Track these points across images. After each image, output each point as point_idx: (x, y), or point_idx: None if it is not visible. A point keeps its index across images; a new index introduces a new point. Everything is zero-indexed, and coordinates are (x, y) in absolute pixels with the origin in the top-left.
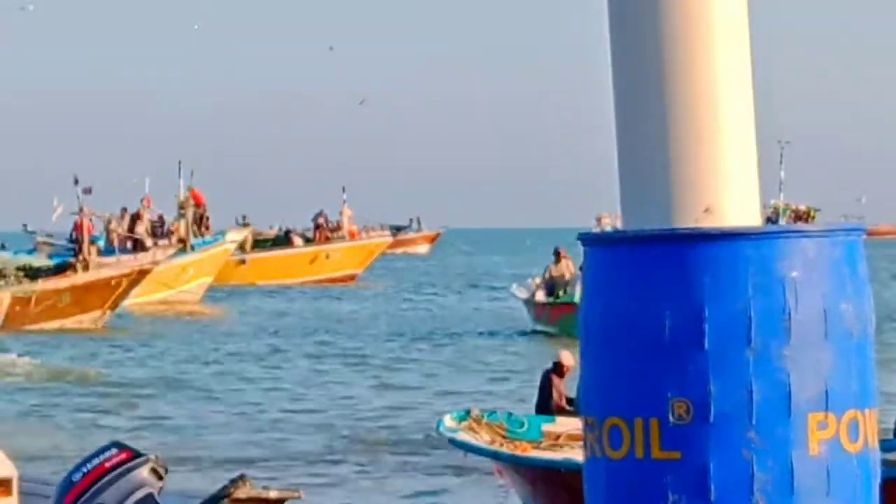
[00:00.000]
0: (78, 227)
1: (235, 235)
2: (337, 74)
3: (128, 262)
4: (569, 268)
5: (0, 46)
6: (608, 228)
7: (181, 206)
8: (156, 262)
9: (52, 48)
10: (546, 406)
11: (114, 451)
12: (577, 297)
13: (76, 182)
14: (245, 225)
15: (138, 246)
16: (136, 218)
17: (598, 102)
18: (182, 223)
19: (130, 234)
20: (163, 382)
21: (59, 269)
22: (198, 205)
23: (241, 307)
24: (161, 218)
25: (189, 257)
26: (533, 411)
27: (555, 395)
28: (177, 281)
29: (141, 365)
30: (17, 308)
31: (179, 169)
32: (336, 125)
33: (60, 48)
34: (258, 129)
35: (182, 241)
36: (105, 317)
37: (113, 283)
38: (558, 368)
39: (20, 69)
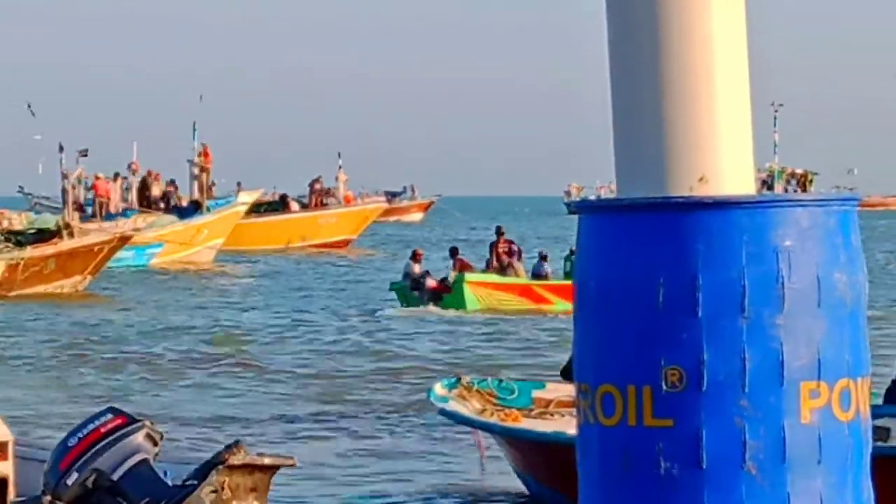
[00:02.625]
0: (96, 189)
1: (247, 197)
2: (336, 51)
3: (110, 229)
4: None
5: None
6: (577, 198)
7: (202, 169)
8: (137, 230)
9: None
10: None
11: (109, 416)
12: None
13: (61, 149)
14: (238, 192)
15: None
16: (147, 181)
17: (591, 72)
18: (195, 185)
19: (145, 203)
20: (142, 339)
21: (41, 236)
22: (206, 162)
23: (235, 270)
24: (174, 183)
25: (203, 218)
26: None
27: None
28: (192, 241)
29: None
30: (7, 274)
31: (194, 130)
32: (334, 98)
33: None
34: (255, 100)
35: (198, 202)
36: (85, 281)
37: (95, 249)
38: None
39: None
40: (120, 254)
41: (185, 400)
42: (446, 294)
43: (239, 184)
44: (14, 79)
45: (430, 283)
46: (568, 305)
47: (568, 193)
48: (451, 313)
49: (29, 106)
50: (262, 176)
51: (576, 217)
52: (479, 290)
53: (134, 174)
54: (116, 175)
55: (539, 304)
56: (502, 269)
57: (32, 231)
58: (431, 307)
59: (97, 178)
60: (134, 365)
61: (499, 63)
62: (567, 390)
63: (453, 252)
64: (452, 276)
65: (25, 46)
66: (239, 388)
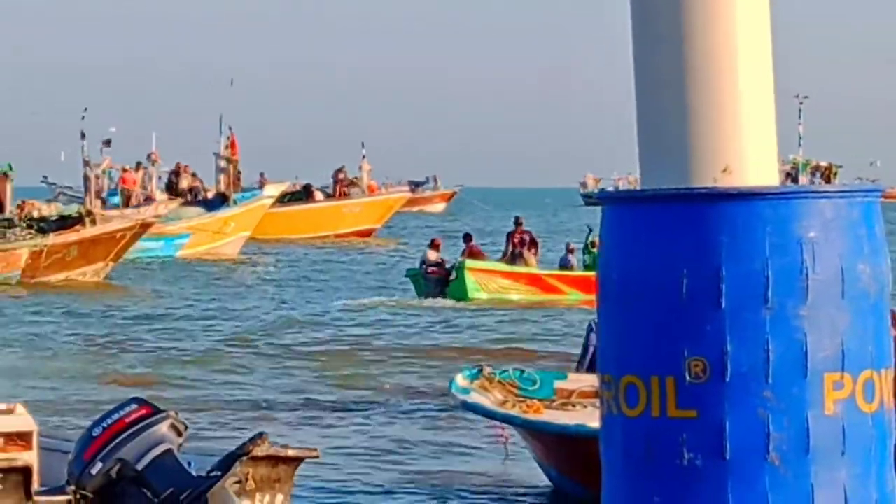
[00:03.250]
0: (123, 182)
1: (273, 190)
2: (361, 44)
3: (132, 215)
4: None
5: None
6: (594, 189)
7: (228, 161)
8: (158, 216)
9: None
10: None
11: (134, 406)
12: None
13: (83, 136)
14: (262, 183)
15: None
16: (177, 174)
17: (614, 64)
18: (223, 177)
19: (174, 192)
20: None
21: (63, 223)
22: (233, 154)
23: (259, 261)
24: (195, 176)
25: (231, 211)
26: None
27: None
28: (219, 234)
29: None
30: (30, 261)
31: (220, 123)
32: (358, 89)
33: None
34: (279, 91)
35: (224, 195)
36: (107, 268)
37: (118, 235)
38: None
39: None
40: (149, 244)
41: (210, 388)
42: (453, 281)
43: (262, 174)
44: (38, 73)
45: (432, 269)
46: (581, 296)
47: (584, 184)
48: (446, 303)
49: (85, 109)
50: (284, 166)
51: (590, 208)
52: (483, 277)
53: (154, 164)
54: (138, 164)
55: (550, 295)
56: (513, 259)
57: (55, 218)
58: (424, 300)
59: (125, 170)
60: (160, 354)
61: (520, 56)
62: (589, 381)
63: (466, 238)
64: (463, 260)
65: (52, 43)
66: (262, 375)
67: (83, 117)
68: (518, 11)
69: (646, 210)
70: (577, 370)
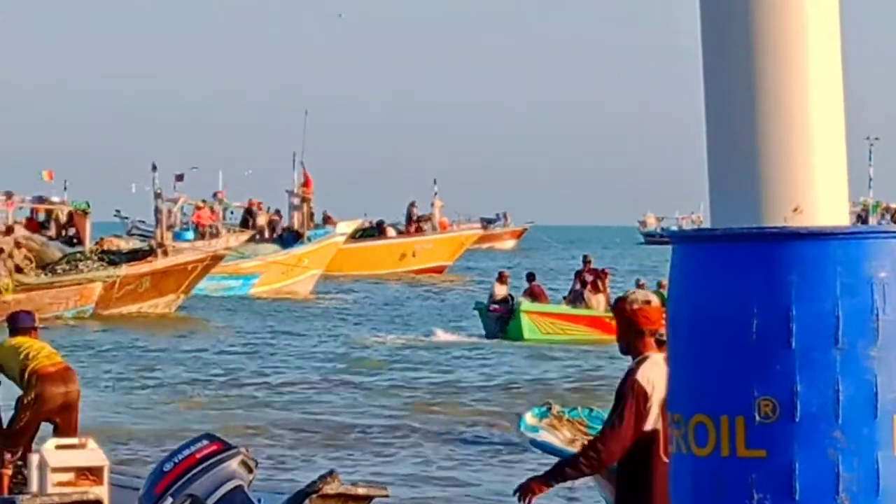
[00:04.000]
0: (198, 219)
1: (346, 228)
2: (431, 79)
3: (203, 248)
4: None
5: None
6: (656, 228)
7: (303, 199)
8: (229, 249)
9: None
10: None
11: (205, 442)
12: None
13: (154, 168)
14: (326, 219)
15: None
16: (250, 211)
17: (683, 102)
18: (296, 214)
19: (249, 229)
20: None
21: (135, 255)
22: (307, 191)
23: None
24: (279, 213)
25: (305, 248)
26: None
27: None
28: (294, 271)
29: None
30: (103, 293)
31: (294, 161)
32: (430, 125)
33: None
34: (345, 127)
35: (298, 232)
36: (179, 300)
37: (189, 267)
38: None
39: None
40: (229, 282)
41: (280, 423)
42: (512, 321)
43: (325, 212)
44: (106, 100)
45: (494, 307)
46: None
47: (643, 223)
48: (504, 342)
49: (194, 167)
50: (352, 202)
51: (652, 247)
52: (539, 319)
53: (220, 203)
54: (203, 203)
55: (612, 335)
56: (575, 299)
57: (126, 251)
58: (486, 339)
59: (198, 207)
60: (231, 388)
61: (588, 91)
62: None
63: (529, 277)
64: (521, 301)
65: (123, 69)
66: (332, 410)
67: (192, 168)
68: (585, 56)
69: (716, 249)
70: None
